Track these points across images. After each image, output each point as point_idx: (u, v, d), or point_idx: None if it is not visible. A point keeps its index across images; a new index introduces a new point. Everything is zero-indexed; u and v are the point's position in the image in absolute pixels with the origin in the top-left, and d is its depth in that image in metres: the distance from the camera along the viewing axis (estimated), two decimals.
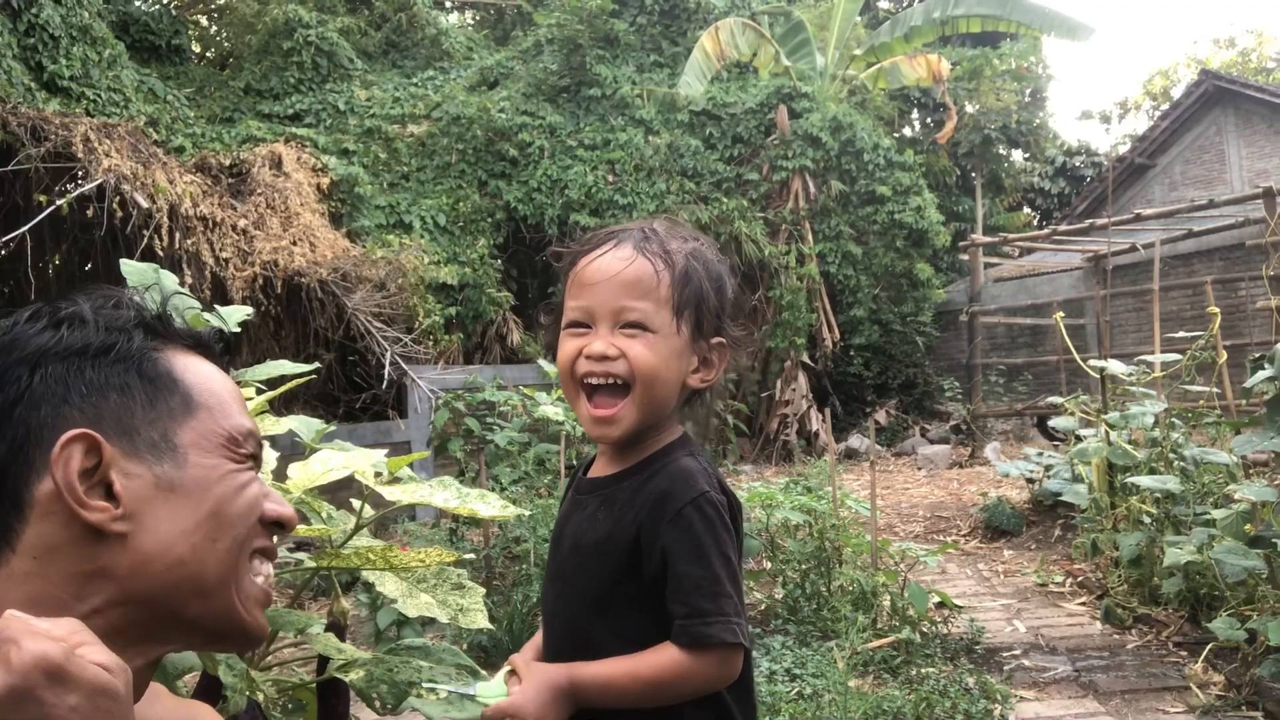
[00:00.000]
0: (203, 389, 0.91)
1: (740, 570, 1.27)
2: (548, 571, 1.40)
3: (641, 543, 1.23)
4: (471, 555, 4.84)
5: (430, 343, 9.92)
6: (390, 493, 1.59)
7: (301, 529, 1.58)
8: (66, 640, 0.64)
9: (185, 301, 1.52)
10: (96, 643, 0.67)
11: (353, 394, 10.80)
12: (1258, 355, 3.80)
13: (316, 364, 2.02)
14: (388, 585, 1.73)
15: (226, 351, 1.01)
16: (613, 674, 1.21)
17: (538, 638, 1.40)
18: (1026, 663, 4.14)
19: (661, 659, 1.20)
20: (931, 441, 12.71)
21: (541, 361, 6.47)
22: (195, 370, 0.92)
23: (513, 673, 1.26)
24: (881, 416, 13.40)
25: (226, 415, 0.92)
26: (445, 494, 1.78)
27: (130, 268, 1.61)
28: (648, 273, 1.25)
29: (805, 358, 13.03)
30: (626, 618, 1.25)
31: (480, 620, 1.75)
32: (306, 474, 1.63)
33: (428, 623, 4.51)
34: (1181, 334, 5.61)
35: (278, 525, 0.93)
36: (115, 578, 0.81)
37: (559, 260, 1.35)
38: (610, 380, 1.25)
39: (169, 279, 1.58)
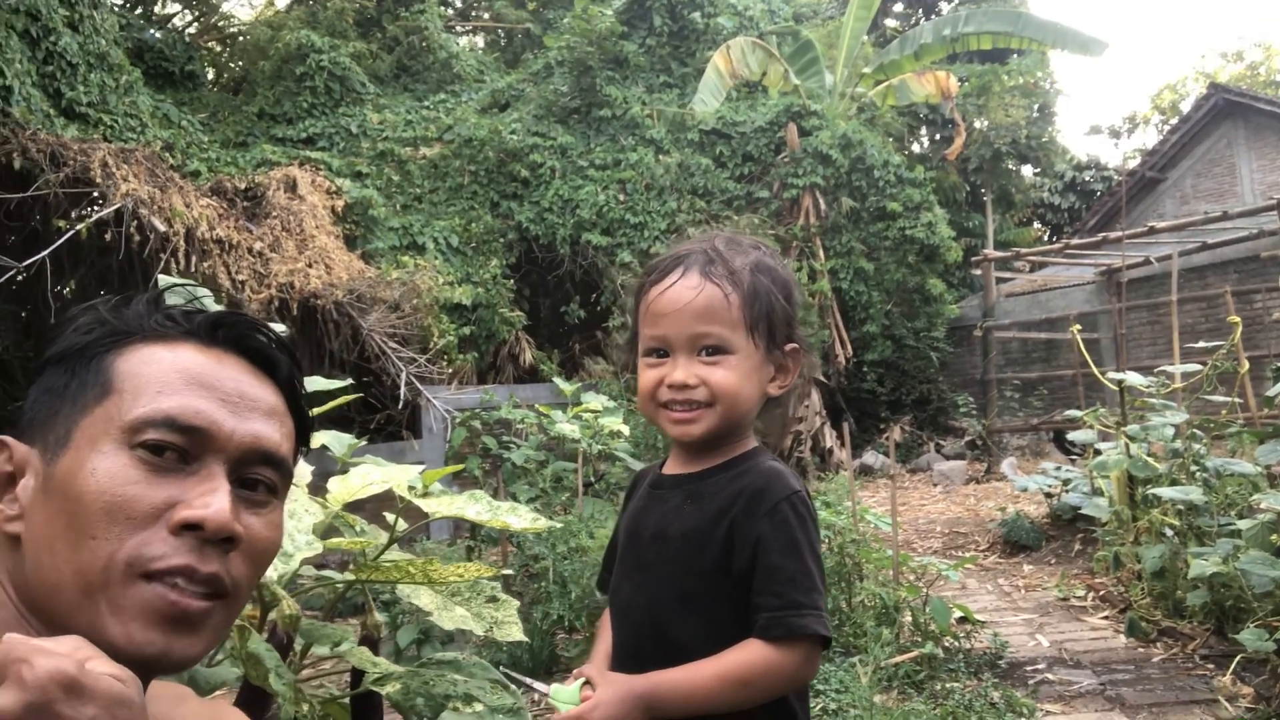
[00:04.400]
0: (129, 374, 0.82)
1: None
2: (622, 565, 1.39)
3: (734, 536, 1.25)
4: (510, 571, 4.84)
5: (444, 363, 9.96)
6: (427, 505, 1.61)
7: (340, 542, 1.59)
8: (72, 655, 0.64)
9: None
10: (101, 656, 0.66)
11: (367, 415, 10.83)
12: (1279, 365, 3.79)
13: (351, 381, 2.04)
14: (423, 599, 1.74)
15: (237, 339, 0.89)
16: (696, 678, 1.20)
17: (603, 647, 1.39)
18: (1051, 677, 4.11)
19: (748, 655, 1.20)
20: (947, 457, 12.66)
21: (557, 379, 6.48)
22: (145, 358, 0.84)
23: (587, 683, 1.25)
24: (896, 433, 13.35)
25: (138, 399, 0.81)
26: (477, 507, 1.80)
27: (167, 281, 1.64)
28: (718, 298, 1.28)
29: (818, 374, 13.01)
30: (709, 610, 1.26)
31: (515, 632, 1.76)
32: (346, 488, 1.65)
33: (448, 641, 4.50)
34: (1201, 344, 5.59)
35: (191, 529, 0.78)
36: (12, 580, 0.80)
37: (630, 289, 1.40)
38: (692, 404, 1.30)
39: (203, 293, 1.61)
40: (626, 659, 1.30)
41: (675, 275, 1.31)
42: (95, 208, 8.46)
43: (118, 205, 8.25)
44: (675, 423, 1.31)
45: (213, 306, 1.62)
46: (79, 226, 8.12)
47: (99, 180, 8.34)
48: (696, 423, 1.29)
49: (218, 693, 1.79)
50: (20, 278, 8.16)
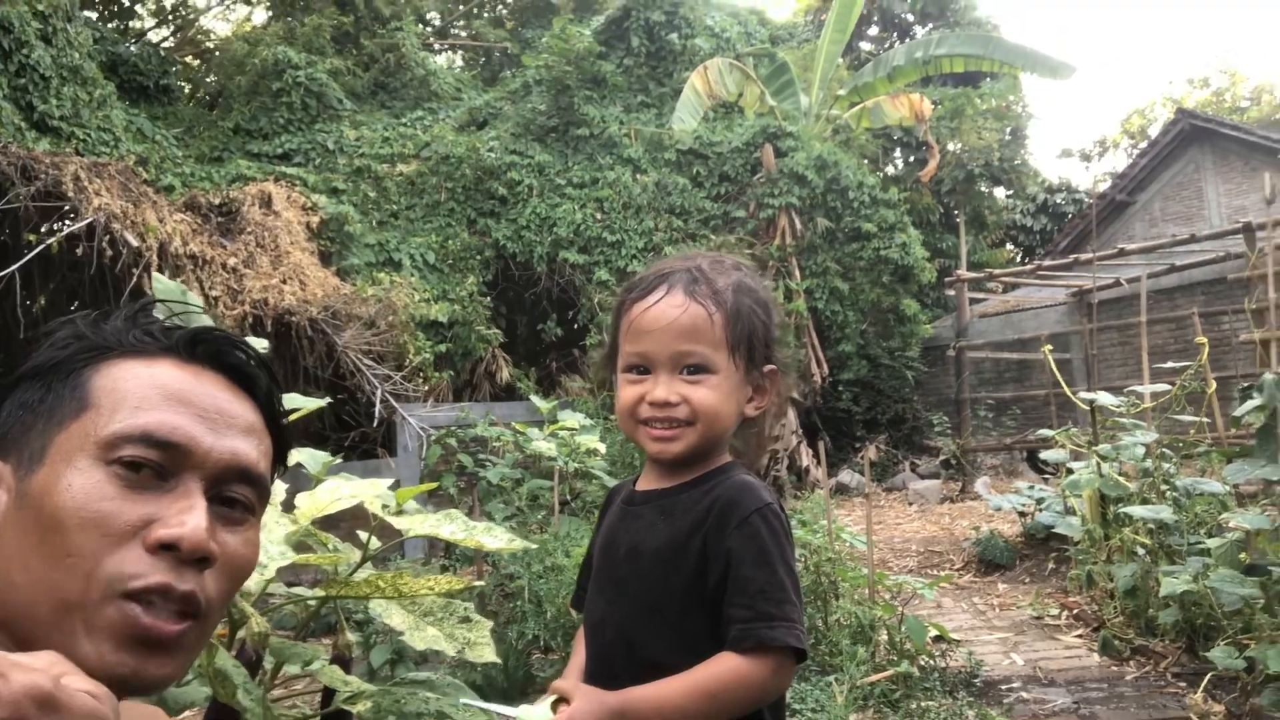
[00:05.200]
0: (106, 390, 0.81)
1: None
2: (596, 582, 1.39)
3: (707, 550, 1.25)
4: (482, 583, 4.80)
5: (420, 380, 9.90)
6: (400, 523, 1.59)
7: (313, 558, 1.57)
8: (48, 671, 0.62)
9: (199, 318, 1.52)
10: (77, 672, 0.65)
11: (342, 432, 10.74)
12: (1246, 385, 3.84)
13: (329, 400, 2.02)
14: (394, 618, 1.72)
15: (216, 355, 0.88)
16: (666, 691, 1.20)
17: (577, 662, 1.38)
18: (1025, 695, 4.12)
19: (719, 668, 1.20)
20: (922, 476, 12.71)
21: (533, 397, 6.45)
22: (123, 373, 0.83)
23: (559, 700, 1.23)
24: (872, 452, 13.40)
25: (115, 414, 0.79)
26: (452, 526, 1.78)
27: (161, 284, 1.63)
28: (701, 317, 1.29)
29: (794, 393, 13.03)
30: (681, 624, 1.26)
31: (487, 654, 1.75)
32: (314, 503, 1.63)
33: (421, 662, 4.46)
34: (1170, 365, 5.66)
35: (167, 549, 0.76)
36: None
37: (613, 305, 1.40)
38: (673, 422, 1.30)
39: (194, 299, 1.59)
40: (599, 675, 1.29)
41: (659, 293, 1.32)
42: (67, 222, 8.37)
43: (90, 220, 8.16)
44: (655, 440, 1.31)
45: (200, 318, 1.61)
46: (50, 241, 8.02)
47: (71, 194, 8.25)
48: (676, 440, 1.30)
49: (186, 713, 1.76)
50: None
